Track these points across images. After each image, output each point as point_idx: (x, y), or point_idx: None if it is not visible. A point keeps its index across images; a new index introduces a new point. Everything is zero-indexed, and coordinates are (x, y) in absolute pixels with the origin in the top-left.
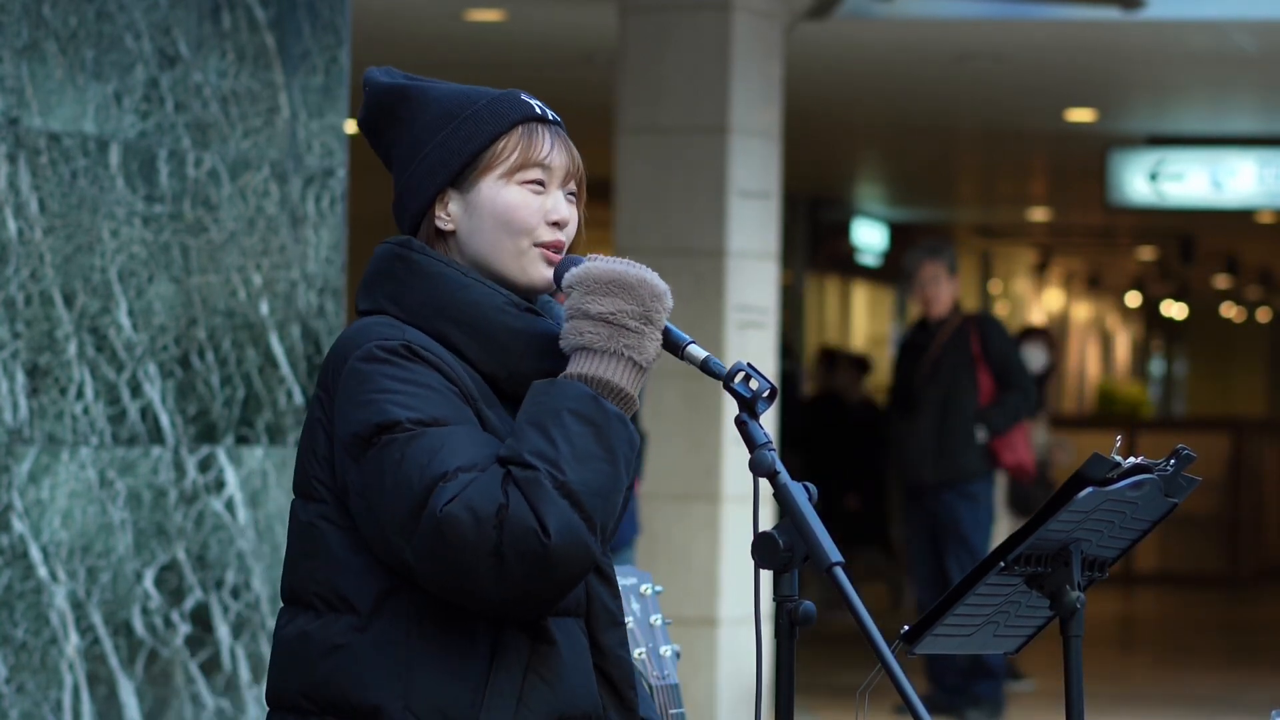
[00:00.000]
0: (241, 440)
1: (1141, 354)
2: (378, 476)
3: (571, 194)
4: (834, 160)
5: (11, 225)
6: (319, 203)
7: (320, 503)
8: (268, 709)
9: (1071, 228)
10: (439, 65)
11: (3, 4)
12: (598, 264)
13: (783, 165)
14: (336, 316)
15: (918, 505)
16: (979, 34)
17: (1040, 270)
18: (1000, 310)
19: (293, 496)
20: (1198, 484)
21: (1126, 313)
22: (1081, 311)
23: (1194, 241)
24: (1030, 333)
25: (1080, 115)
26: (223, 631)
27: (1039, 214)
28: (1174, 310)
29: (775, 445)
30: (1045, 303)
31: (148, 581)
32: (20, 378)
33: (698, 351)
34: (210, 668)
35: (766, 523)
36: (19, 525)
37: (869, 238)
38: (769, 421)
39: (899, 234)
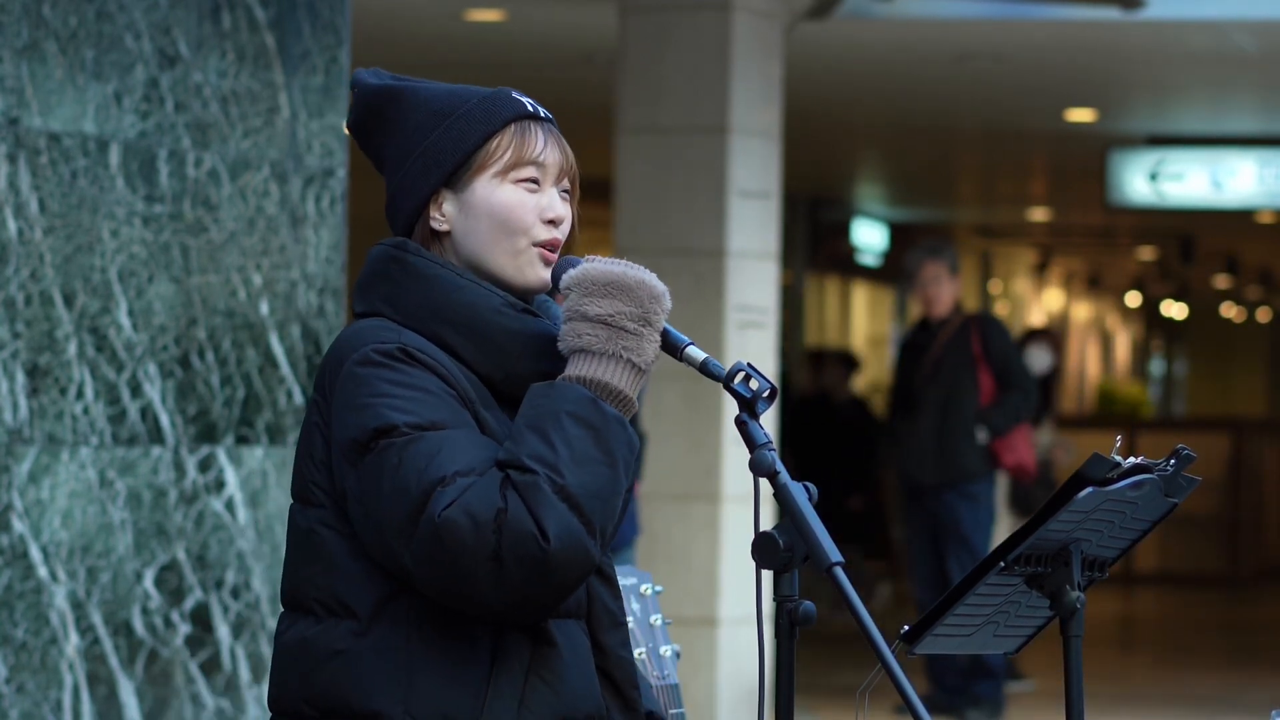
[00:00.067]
0: (241, 440)
1: (1141, 354)
2: (375, 482)
3: (565, 191)
4: (834, 160)
5: (11, 225)
6: (319, 203)
7: (319, 508)
8: (270, 714)
9: (1071, 228)
10: (439, 65)
11: (3, 4)
12: (596, 265)
13: (783, 165)
14: (336, 316)
15: (918, 505)
16: (979, 34)
17: (1040, 270)
18: (1000, 310)
19: (291, 501)
20: (1198, 484)
21: (1126, 313)
22: (1081, 311)
23: (1194, 241)
24: (1035, 334)
25: (1080, 115)
26: (223, 631)
27: (1039, 214)
28: (1174, 310)
29: (775, 445)
30: (1045, 303)
31: (148, 581)
32: (20, 378)
33: (696, 353)
34: (210, 668)
35: (767, 523)
36: (19, 525)
37: (869, 238)
38: (769, 421)
39: (899, 234)
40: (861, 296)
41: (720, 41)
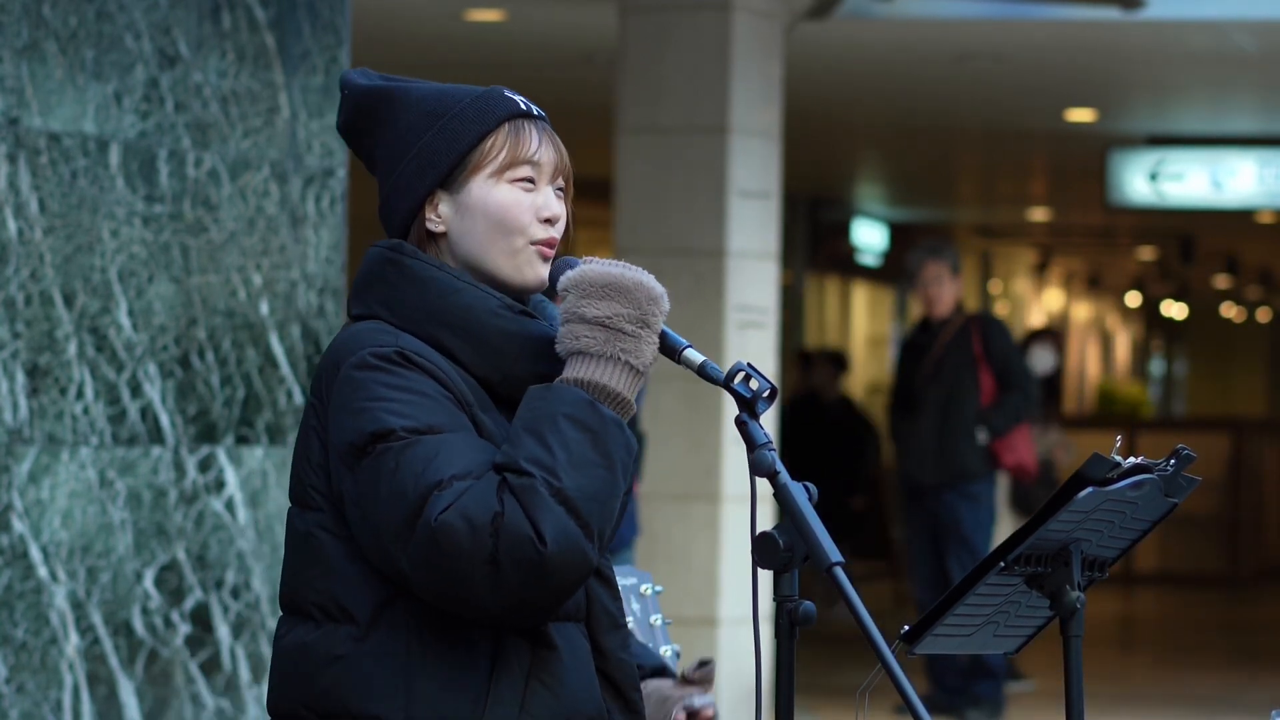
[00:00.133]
0: (241, 440)
1: (1141, 354)
2: (373, 485)
3: (560, 189)
4: (834, 160)
5: (11, 225)
6: (319, 203)
7: (317, 511)
8: (269, 718)
9: (1071, 228)
10: (439, 65)
11: (3, 4)
12: (593, 267)
13: (783, 165)
14: (336, 316)
15: (919, 505)
16: (979, 34)
17: (1040, 270)
18: (1000, 310)
19: (289, 504)
20: (1198, 484)
21: (1126, 313)
22: (1081, 311)
23: (1194, 241)
24: (1039, 334)
25: (1080, 115)
26: (223, 631)
27: (1039, 214)
28: (1174, 310)
29: (775, 445)
30: (1045, 303)
31: (148, 581)
32: (20, 378)
33: (695, 356)
34: (210, 668)
35: (766, 523)
36: (19, 525)
37: (869, 238)
38: (768, 422)
39: (899, 234)
40: (861, 296)
41: (720, 41)
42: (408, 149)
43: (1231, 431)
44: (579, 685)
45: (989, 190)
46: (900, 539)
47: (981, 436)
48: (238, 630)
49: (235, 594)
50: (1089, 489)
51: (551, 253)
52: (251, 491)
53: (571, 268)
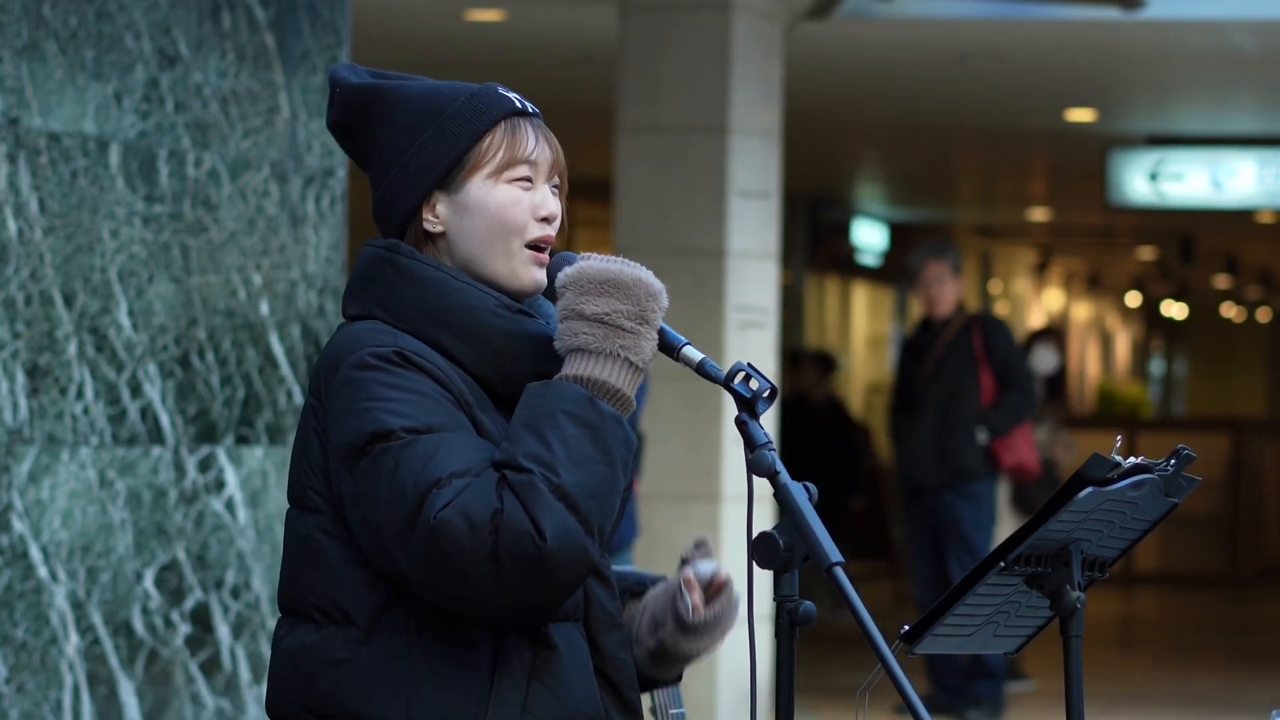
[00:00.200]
0: (241, 440)
1: (1141, 354)
2: (373, 485)
3: (555, 187)
4: (834, 160)
5: (11, 225)
6: (319, 203)
7: (316, 513)
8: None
9: (1071, 228)
10: (439, 65)
11: (3, 4)
12: (592, 263)
13: (783, 165)
14: (336, 316)
15: (919, 505)
16: (979, 34)
17: (1040, 270)
18: (1000, 310)
19: (288, 506)
20: (1198, 484)
21: (1126, 313)
22: (1081, 311)
23: (1194, 241)
24: (1041, 334)
25: (1080, 115)
26: (223, 631)
27: (1039, 214)
28: (1174, 310)
29: (775, 445)
30: (1045, 303)
31: (148, 581)
32: (20, 378)
33: (693, 353)
34: (210, 668)
35: (766, 523)
36: (19, 525)
37: (869, 238)
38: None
39: (899, 234)
40: (861, 296)
41: (720, 41)
42: (404, 149)
43: (1231, 431)
44: (579, 686)
45: (989, 190)
46: (900, 539)
47: (981, 436)
48: (238, 630)
49: (235, 594)
50: (1089, 489)
51: (546, 257)
52: (251, 491)
53: (569, 264)
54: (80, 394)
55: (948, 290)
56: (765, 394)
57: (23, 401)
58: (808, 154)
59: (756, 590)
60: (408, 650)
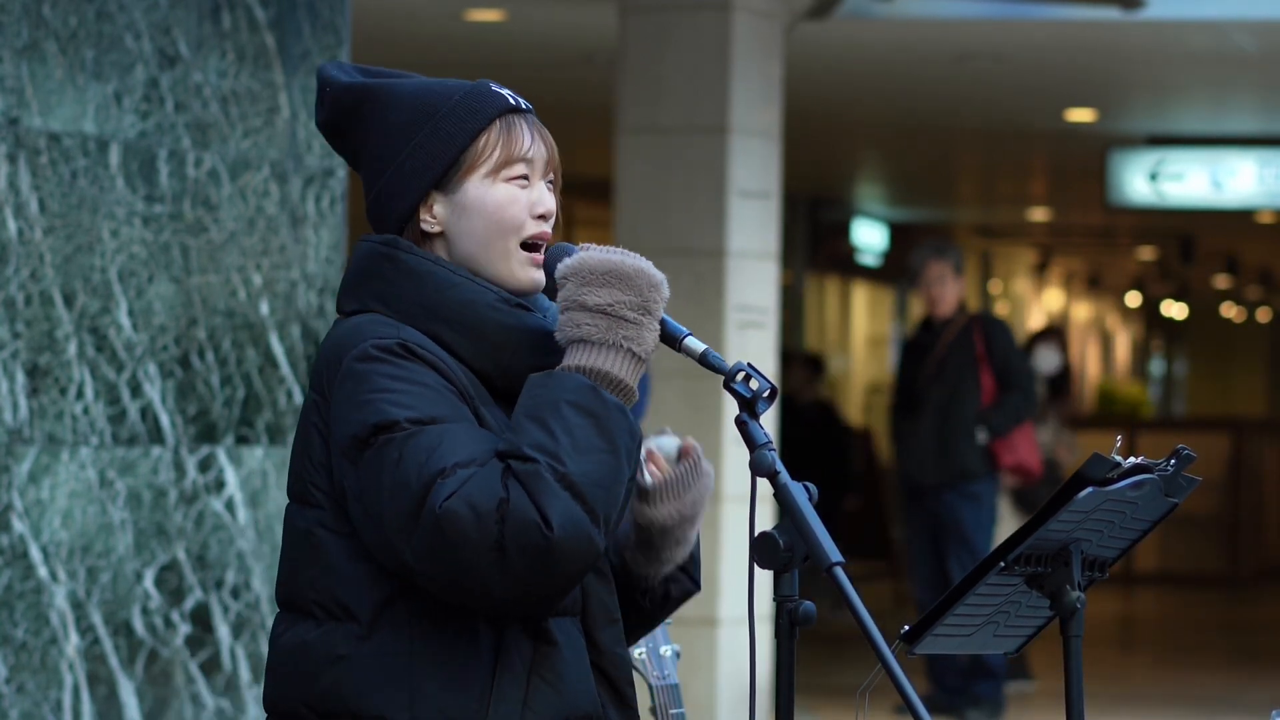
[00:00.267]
0: (241, 440)
1: (1141, 354)
2: (376, 477)
3: (550, 183)
4: (834, 160)
5: (11, 225)
6: (319, 203)
7: (317, 509)
8: (266, 716)
9: (1071, 228)
10: (439, 65)
11: (3, 4)
12: (593, 254)
13: (783, 165)
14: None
15: (919, 505)
16: (979, 34)
17: (1040, 270)
18: (1000, 310)
19: (288, 501)
20: (1198, 484)
21: (1126, 313)
22: (1081, 311)
23: (1194, 241)
24: (1044, 333)
25: (1080, 115)
26: (223, 631)
27: (1039, 214)
28: (1174, 310)
29: (775, 445)
30: (1045, 303)
31: (148, 581)
32: (20, 378)
33: (695, 344)
34: (210, 668)
35: (766, 523)
36: (19, 525)
37: (869, 238)
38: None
39: (899, 234)
40: (861, 296)
41: (720, 41)
42: (399, 149)
43: (1231, 431)
44: (578, 681)
45: (989, 190)
46: (900, 539)
47: (981, 436)
48: (238, 630)
49: (235, 594)
50: (1089, 489)
51: (540, 253)
52: (251, 491)
53: (568, 255)
54: (80, 394)
55: (949, 290)
56: (765, 394)
57: (23, 401)
58: (808, 154)
59: (756, 590)
60: (410, 645)
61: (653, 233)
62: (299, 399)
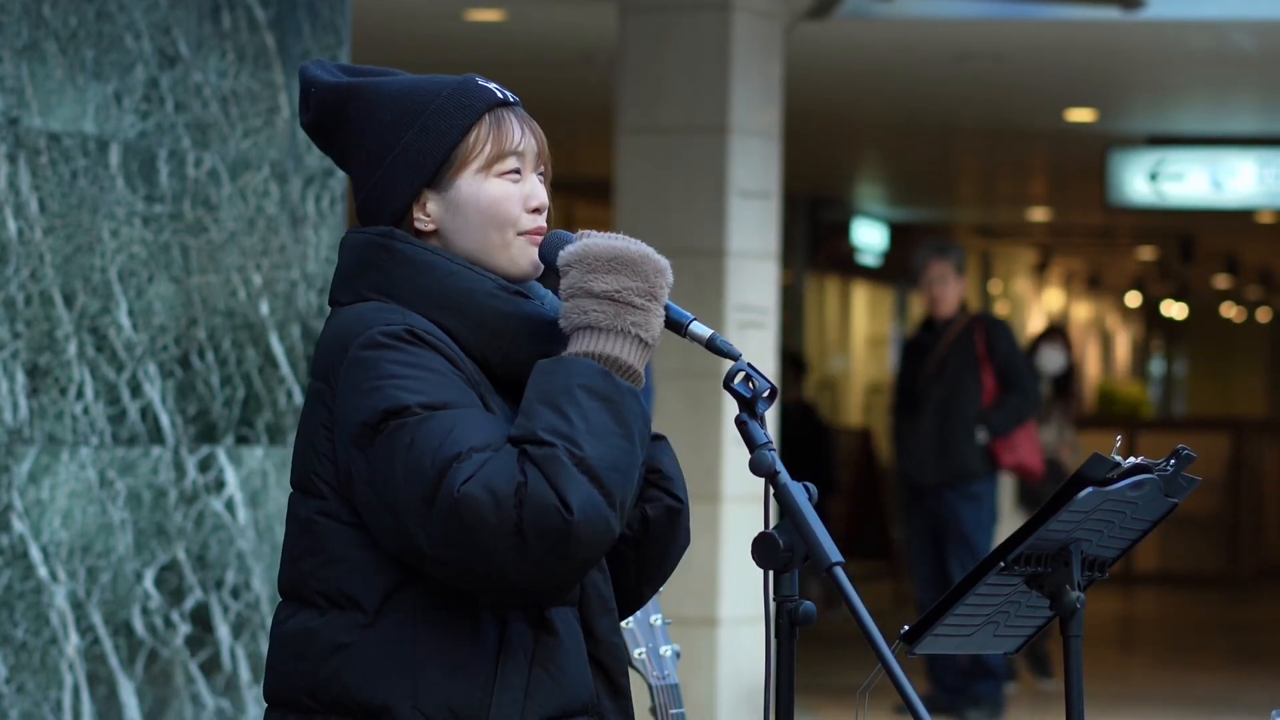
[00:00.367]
0: (241, 440)
1: (1141, 354)
2: (388, 463)
3: (541, 175)
4: (834, 160)
5: (11, 225)
6: (319, 203)
7: (321, 498)
8: (266, 705)
9: (1071, 228)
10: (439, 65)
11: (3, 4)
12: (596, 241)
13: (783, 165)
14: None
15: (919, 505)
16: (979, 34)
17: (1040, 270)
18: (1000, 310)
19: (291, 490)
20: (1198, 484)
21: (1126, 313)
22: (1081, 311)
23: (1194, 241)
24: (1048, 333)
25: (1080, 115)
26: (223, 631)
27: (1039, 214)
28: (1174, 310)
29: (775, 445)
30: (1045, 303)
31: (148, 581)
32: (20, 378)
33: (701, 329)
34: (210, 668)
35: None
36: (19, 525)
37: (869, 238)
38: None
39: (899, 234)
40: (861, 296)
41: (720, 41)
42: (388, 148)
43: (1231, 431)
44: (577, 672)
45: (989, 190)
46: (900, 539)
47: (981, 436)
48: (238, 630)
49: (235, 594)
50: (1089, 489)
51: (539, 240)
52: (251, 491)
53: (566, 243)
54: (80, 394)
55: (951, 290)
56: (765, 394)
57: (23, 401)
58: (808, 154)
59: (755, 590)
60: (414, 634)
61: (653, 233)
62: (299, 399)
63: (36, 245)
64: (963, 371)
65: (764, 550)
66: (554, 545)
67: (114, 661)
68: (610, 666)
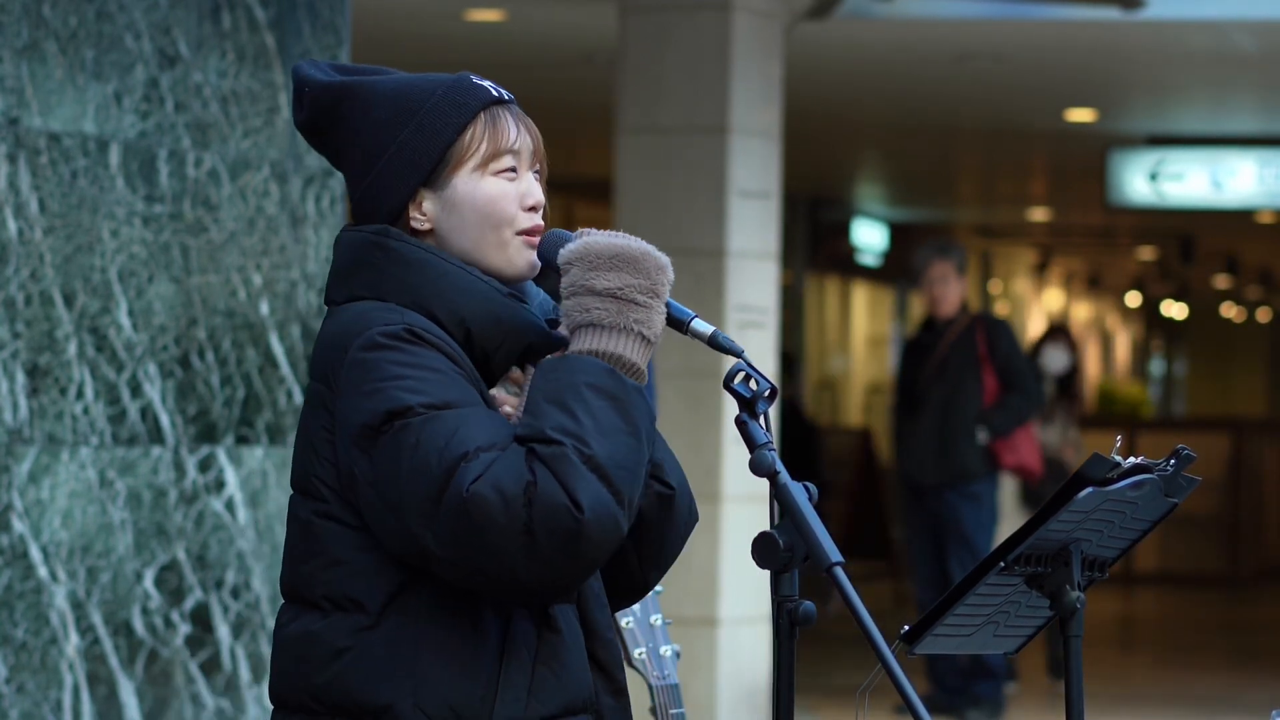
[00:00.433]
0: (241, 440)
1: (1141, 354)
2: (393, 464)
3: (536, 172)
4: (834, 160)
5: (11, 225)
6: (319, 203)
7: (321, 501)
8: (271, 708)
9: (1071, 228)
10: (439, 65)
11: (3, 4)
12: (597, 239)
13: (783, 165)
14: None
15: (919, 505)
16: (979, 34)
17: (1040, 270)
18: (1000, 310)
19: (291, 492)
20: (1198, 484)
21: (1126, 313)
22: (1081, 311)
23: (1194, 241)
24: (1052, 333)
25: (1080, 115)
26: (223, 631)
27: (1039, 214)
28: (1174, 310)
29: (775, 445)
30: (1045, 303)
31: (148, 581)
32: (20, 378)
33: (703, 326)
34: (210, 668)
35: (766, 523)
36: (19, 525)
37: (869, 238)
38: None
39: (899, 234)
40: (861, 296)
41: (720, 41)
42: (383, 147)
43: (1231, 431)
44: (578, 669)
45: (989, 190)
46: (900, 539)
47: (981, 436)
48: (238, 630)
49: (235, 594)
50: (1089, 489)
51: (537, 239)
52: (251, 491)
53: (565, 241)
54: (80, 394)
55: (952, 290)
56: (765, 394)
57: (23, 401)
58: (808, 154)
59: (755, 590)
60: (417, 634)
61: (653, 233)
62: (299, 399)
63: (36, 245)
64: (963, 371)
65: (764, 550)
66: (564, 544)
67: (114, 661)
68: (607, 663)
